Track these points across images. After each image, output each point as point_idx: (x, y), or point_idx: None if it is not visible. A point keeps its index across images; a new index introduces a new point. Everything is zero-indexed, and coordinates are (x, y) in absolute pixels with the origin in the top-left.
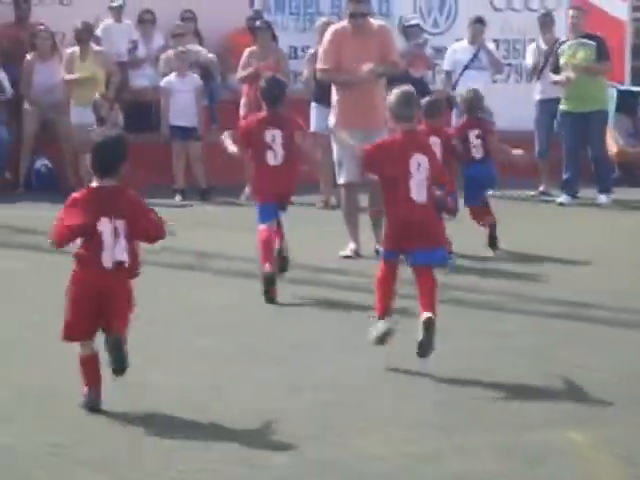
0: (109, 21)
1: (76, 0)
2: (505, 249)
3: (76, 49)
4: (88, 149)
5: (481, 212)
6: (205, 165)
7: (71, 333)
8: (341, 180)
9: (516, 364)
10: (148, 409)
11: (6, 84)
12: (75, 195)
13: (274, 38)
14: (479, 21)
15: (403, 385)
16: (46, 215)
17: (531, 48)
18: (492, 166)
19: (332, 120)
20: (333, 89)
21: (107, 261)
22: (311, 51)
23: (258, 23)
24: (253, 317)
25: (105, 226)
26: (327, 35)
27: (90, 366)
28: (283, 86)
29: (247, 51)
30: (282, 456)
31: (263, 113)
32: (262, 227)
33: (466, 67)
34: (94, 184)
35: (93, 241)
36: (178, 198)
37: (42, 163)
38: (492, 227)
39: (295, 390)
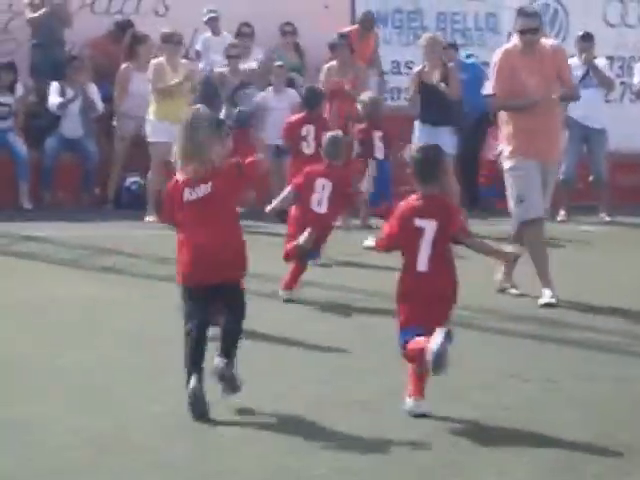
0: (207, 34)
1: (172, 11)
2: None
3: (162, 59)
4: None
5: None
6: None
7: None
8: (525, 216)
9: (636, 412)
10: (224, 467)
11: (97, 101)
12: None
13: (353, 52)
14: (586, 38)
15: (513, 442)
16: (132, 235)
17: (638, 66)
18: (388, 166)
19: (507, 149)
20: (503, 114)
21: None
22: (418, 68)
23: (335, 38)
24: (349, 355)
25: None
26: (497, 56)
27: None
28: (321, 94)
29: (326, 67)
30: None
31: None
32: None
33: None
34: None
35: None
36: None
37: (132, 180)
38: None
39: (387, 445)
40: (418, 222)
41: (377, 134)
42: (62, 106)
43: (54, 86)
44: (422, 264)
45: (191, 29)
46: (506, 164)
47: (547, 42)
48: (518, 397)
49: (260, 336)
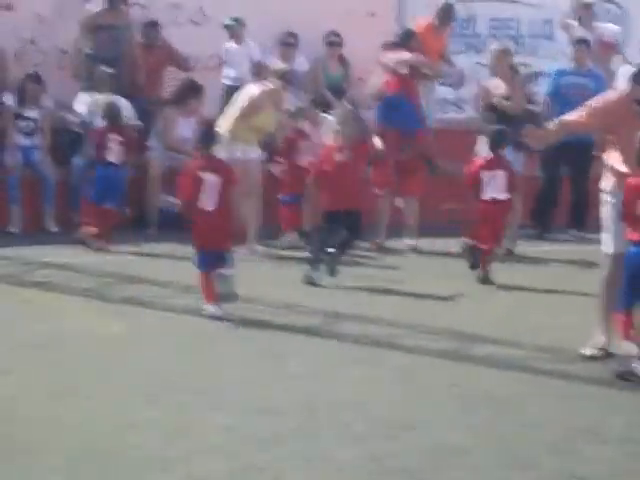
0: (231, 43)
1: (211, 21)
2: None
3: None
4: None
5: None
6: None
7: None
8: (606, 249)
9: None
10: None
11: (130, 117)
12: None
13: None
14: None
15: None
16: (159, 261)
17: None
18: (125, 172)
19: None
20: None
21: None
22: (483, 83)
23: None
24: (388, 408)
25: None
26: (609, 98)
27: None
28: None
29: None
30: None
31: None
32: None
33: None
34: None
35: None
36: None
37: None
38: None
39: None
40: (201, 175)
41: (114, 137)
42: (83, 125)
43: (81, 98)
44: (209, 204)
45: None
46: (604, 184)
47: None
48: (596, 463)
49: (288, 379)
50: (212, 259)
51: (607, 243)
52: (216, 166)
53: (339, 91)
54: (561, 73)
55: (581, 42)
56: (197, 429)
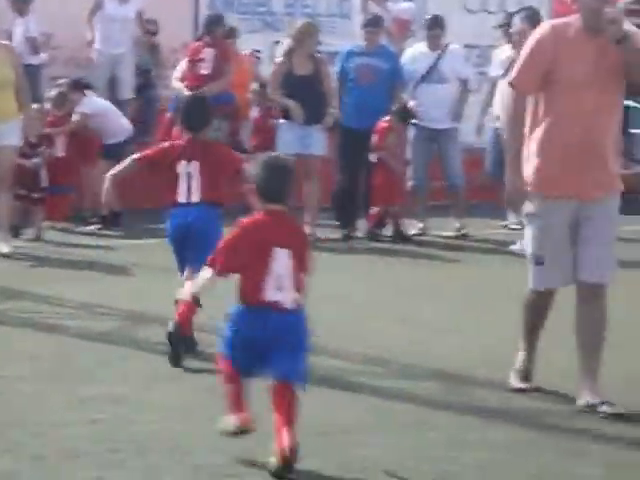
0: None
1: None
2: None
3: None
4: None
5: None
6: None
7: None
8: (539, 284)
9: None
10: None
11: None
12: None
13: None
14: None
15: None
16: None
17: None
18: None
19: (528, 179)
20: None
21: None
22: (279, 59)
23: None
24: None
25: None
26: None
27: None
28: None
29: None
30: None
31: None
32: None
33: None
34: None
35: None
36: None
37: None
38: None
39: None
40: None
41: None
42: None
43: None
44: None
45: None
46: (526, 206)
47: None
48: None
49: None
50: None
51: (532, 276)
52: None
53: None
54: (349, 55)
55: (371, 21)
56: None
